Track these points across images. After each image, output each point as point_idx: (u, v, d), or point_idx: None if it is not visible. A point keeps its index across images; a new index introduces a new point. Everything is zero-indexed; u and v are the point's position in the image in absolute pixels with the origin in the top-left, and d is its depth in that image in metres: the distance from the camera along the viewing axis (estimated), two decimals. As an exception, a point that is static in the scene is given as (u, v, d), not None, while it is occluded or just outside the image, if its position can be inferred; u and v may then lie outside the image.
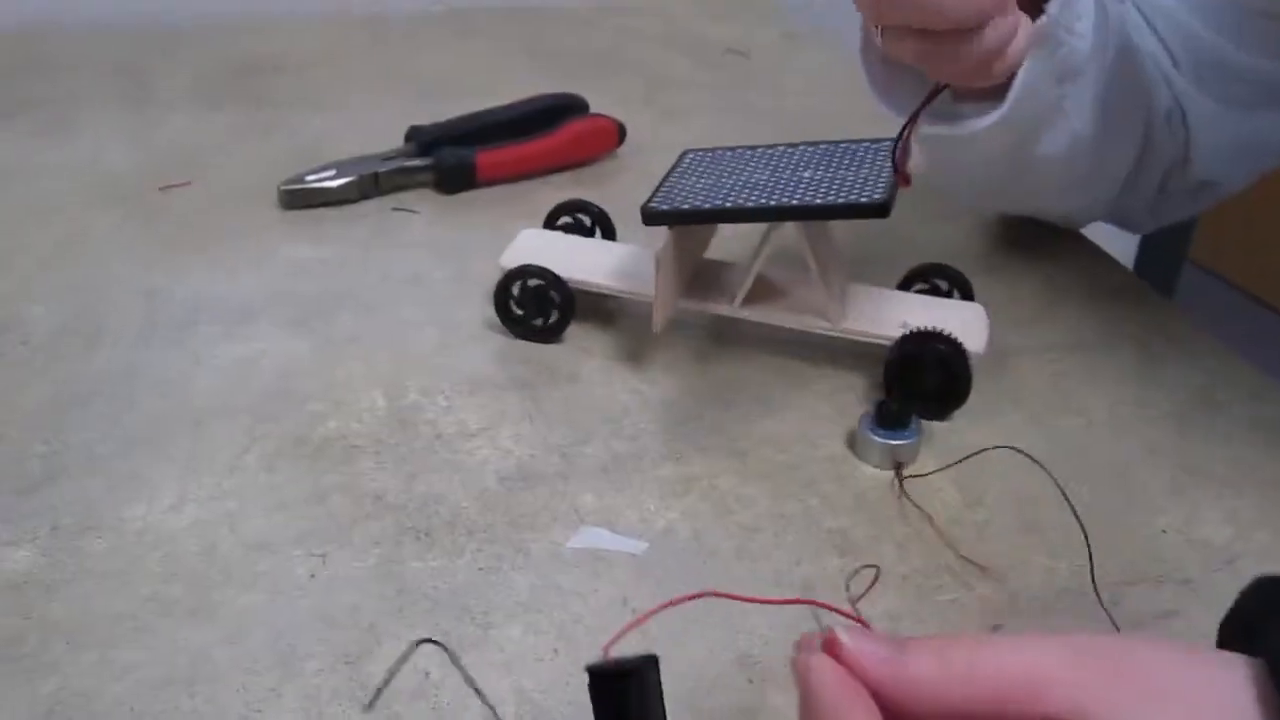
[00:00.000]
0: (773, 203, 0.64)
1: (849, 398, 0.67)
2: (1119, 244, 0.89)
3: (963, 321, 0.67)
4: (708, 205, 0.65)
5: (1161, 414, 0.66)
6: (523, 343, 0.70)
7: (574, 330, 0.71)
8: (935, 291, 0.73)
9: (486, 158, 0.87)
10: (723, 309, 0.69)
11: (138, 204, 0.84)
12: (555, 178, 0.90)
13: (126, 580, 0.53)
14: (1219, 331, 0.73)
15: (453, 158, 0.86)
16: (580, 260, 0.71)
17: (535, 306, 0.70)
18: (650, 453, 0.62)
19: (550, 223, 0.77)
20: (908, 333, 0.65)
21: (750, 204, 0.64)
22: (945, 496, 0.60)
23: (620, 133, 0.93)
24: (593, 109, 0.94)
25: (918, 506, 0.59)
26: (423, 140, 0.88)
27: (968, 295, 0.72)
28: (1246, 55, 0.70)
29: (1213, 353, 0.72)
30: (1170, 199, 0.78)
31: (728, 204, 0.64)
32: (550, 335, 0.70)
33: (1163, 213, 0.80)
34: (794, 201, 0.63)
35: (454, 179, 0.87)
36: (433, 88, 1.05)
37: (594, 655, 0.50)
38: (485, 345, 0.70)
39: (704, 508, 0.59)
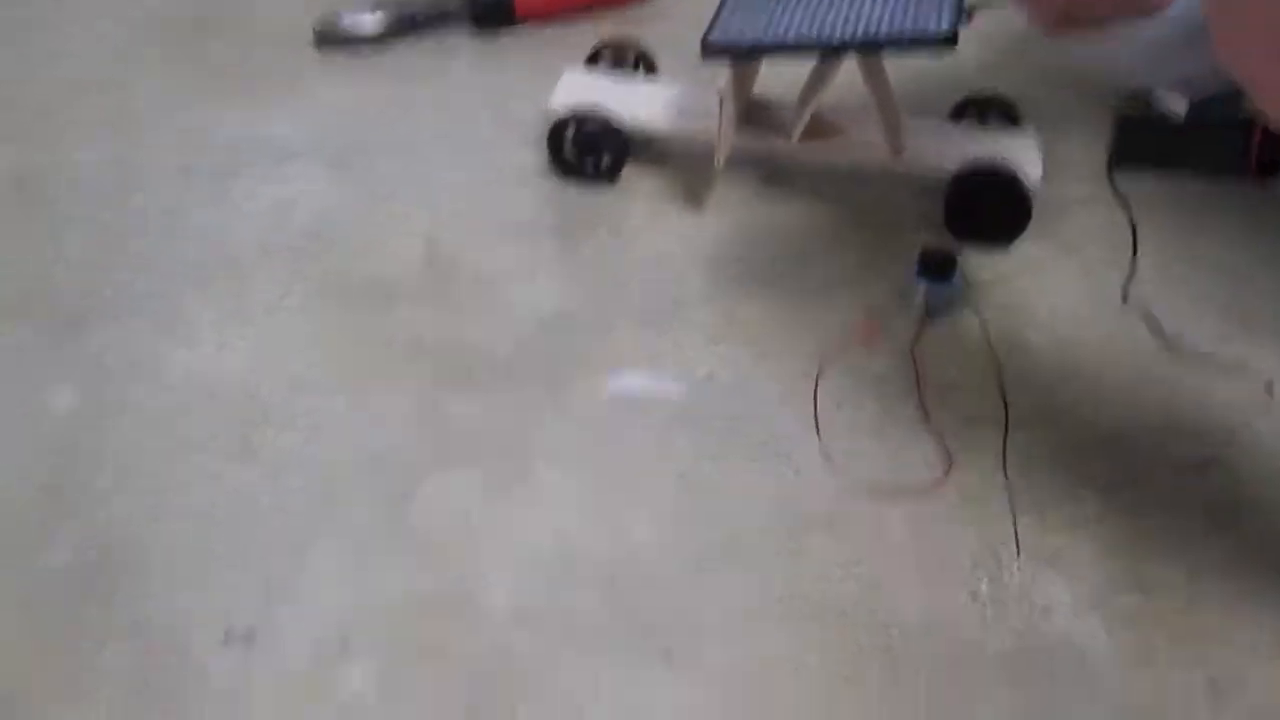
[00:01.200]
0: (838, 35, 0.61)
1: (900, 243, 0.65)
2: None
3: (1018, 151, 0.66)
4: (769, 40, 0.63)
5: (1211, 265, 0.65)
6: (563, 187, 0.69)
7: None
8: (986, 121, 0.71)
9: (525, -5, 0.84)
10: (780, 146, 0.68)
11: (175, 45, 0.82)
12: (594, 18, 0.87)
13: (170, 420, 0.54)
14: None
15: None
16: (632, 101, 0.70)
17: (590, 150, 0.68)
18: (691, 297, 0.61)
19: (591, 61, 0.75)
20: (966, 164, 0.64)
21: (815, 36, 0.62)
22: (986, 345, 0.59)
23: (664, -29, 0.90)
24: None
25: (915, 359, 0.58)
26: (460, -22, 0.86)
27: (1017, 124, 0.70)
28: None
29: (1268, 201, 0.69)
30: None
31: (790, 37, 0.62)
32: (607, 178, 0.69)
33: None
34: (859, 33, 0.61)
35: (491, 17, 0.84)
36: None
37: (632, 500, 0.50)
38: (526, 190, 0.69)
39: (744, 353, 0.58)
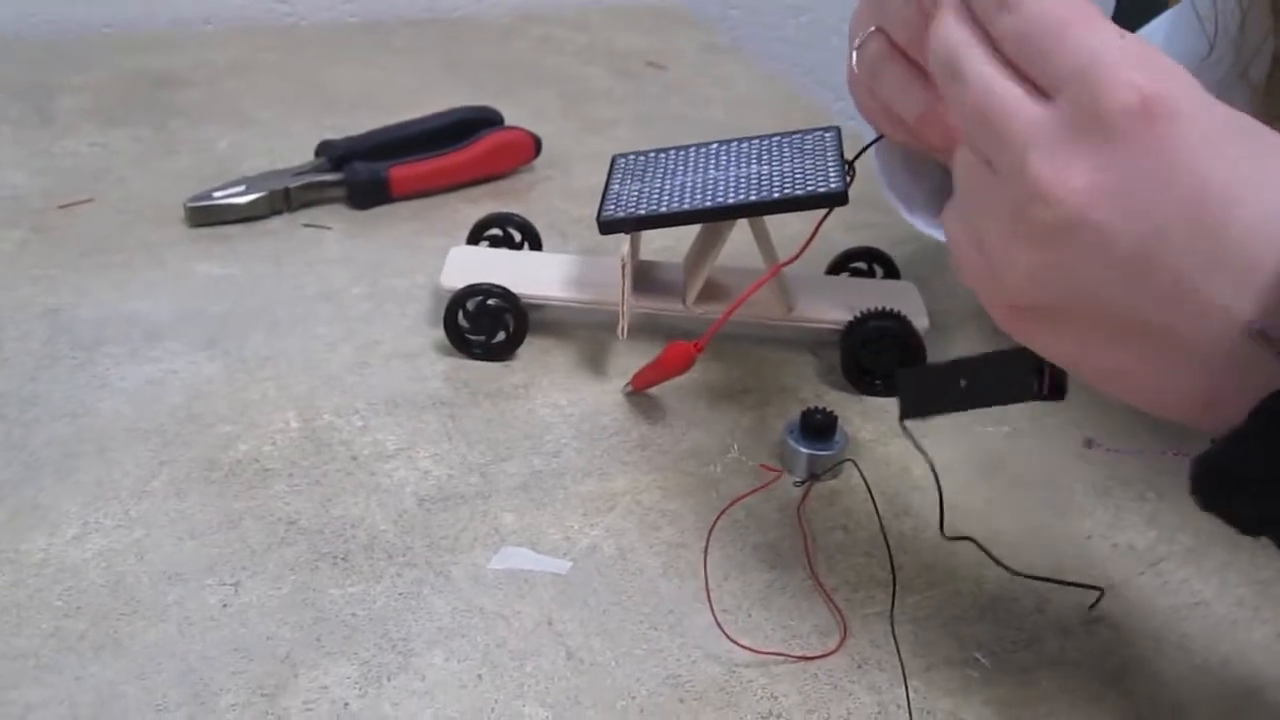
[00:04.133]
0: (732, 199, 0.63)
1: (787, 403, 0.66)
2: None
3: (901, 299, 0.69)
4: (665, 209, 0.64)
5: (1087, 419, 0.66)
6: (440, 360, 0.69)
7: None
8: (863, 274, 0.74)
9: (399, 172, 0.85)
10: (676, 310, 0.68)
11: (39, 223, 0.81)
12: (471, 191, 0.88)
13: (27, 615, 0.51)
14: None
15: (365, 172, 0.85)
16: (526, 274, 0.70)
17: (488, 325, 0.68)
18: (572, 469, 0.61)
19: (475, 237, 0.76)
20: (859, 314, 0.66)
21: (711, 203, 0.63)
22: (871, 507, 0.59)
23: (536, 145, 0.91)
24: (510, 121, 0.93)
25: (803, 524, 0.58)
26: (334, 155, 0.86)
27: (893, 274, 0.73)
28: None
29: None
30: None
31: (686, 205, 0.64)
32: (505, 352, 0.69)
33: None
34: (753, 197, 0.63)
35: (367, 194, 0.85)
36: (345, 101, 1.03)
37: (520, 681, 0.49)
38: (402, 363, 0.68)
39: (628, 524, 0.58)
